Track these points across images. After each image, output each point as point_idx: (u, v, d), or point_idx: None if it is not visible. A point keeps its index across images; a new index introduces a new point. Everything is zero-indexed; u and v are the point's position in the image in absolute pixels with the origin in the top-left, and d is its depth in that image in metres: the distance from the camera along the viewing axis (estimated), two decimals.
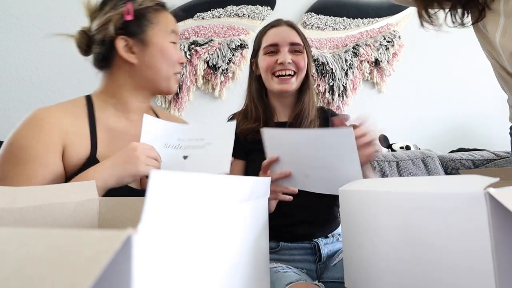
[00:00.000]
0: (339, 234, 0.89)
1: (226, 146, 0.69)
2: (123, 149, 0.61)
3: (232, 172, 0.86)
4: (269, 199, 0.63)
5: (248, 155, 0.89)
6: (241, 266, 0.37)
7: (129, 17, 0.71)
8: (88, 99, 0.74)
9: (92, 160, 0.66)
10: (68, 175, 0.65)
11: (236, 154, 0.82)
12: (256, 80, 0.94)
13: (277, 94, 0.90)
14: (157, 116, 0.83)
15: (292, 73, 0.87)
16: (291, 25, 0.91)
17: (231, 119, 0.96)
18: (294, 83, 0.87)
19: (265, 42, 0.89)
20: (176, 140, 0.70)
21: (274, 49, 0.88)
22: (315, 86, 1.94)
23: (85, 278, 0.16)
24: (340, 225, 0.71)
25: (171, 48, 0.75)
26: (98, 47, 0.73)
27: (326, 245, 0.84)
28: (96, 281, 0.17)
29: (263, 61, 0.89)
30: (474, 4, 0.88)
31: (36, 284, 0.16)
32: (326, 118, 0.95)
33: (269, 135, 0.68)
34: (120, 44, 0.72)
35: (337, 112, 1.94)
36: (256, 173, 0.82)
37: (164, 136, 0.70)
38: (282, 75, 0.86)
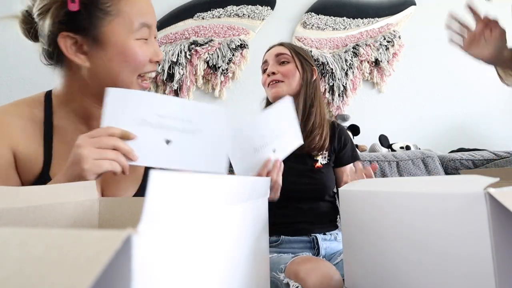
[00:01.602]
0: (337, 234, 0.93)
1: (222, 139, 0.58)
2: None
3: None
4: None
5: None
6: (241, 266, 0.37)
7: (73, 7, 0.53)
8: (48, 98, 0.63)
9: (44, 177, 0.57)
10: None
11: None
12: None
13: (274, 101, 0.96)
14: None
15: (280, 81, 0.95)
16: (282, 43, 1.01)
17: None
18: (282, 87, 0.95)
19: (262, 62, 1.04)
20: (154, 117, 0.53)
21: (266, 66, 1.00)
22: (320, 86, 1.94)
23: (85, 278, 0.16)
24: (340, 226, 0.71)
25: (136, 47, 0.57)
26: (43, 41, 0.58)
27: (324, 241, 0.89)
28: (96, 281, 0.17)
29: (262, 78, 1.02)
30: None
31: (36, 284, 0.16)
32: (334, 133, 1.00)
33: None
34: (66, 42, 0.55)
35: (337, 113, 1.95)
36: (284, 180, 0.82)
37: (139, 111, 0.52)
38: (270, 83, 0.97)
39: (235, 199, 0.36)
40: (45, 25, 0.55)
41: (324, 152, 0.98)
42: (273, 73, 0.95)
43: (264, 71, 1.01)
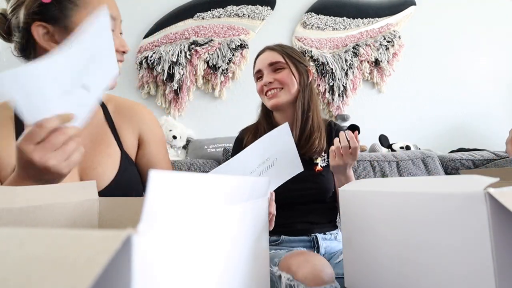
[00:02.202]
0: (337, 233, 0.93)
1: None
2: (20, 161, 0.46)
3: None
4: None
5: None
6: (241, 266, 0.37)
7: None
8: None
9: None
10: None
11: None
12: (262, 103, 1.04)
13: (275, 112, 1.00)
14: (105, 110, 0.73)
15: (279, 89, 0.94)
16: (271, 48, 0.98)
17: (240, 134, 1.04)
18: (282, 96, 0.94)
19: (254, 70, 1.01)
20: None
21: (260, 75, 0.98)
22: (315, 86, 1.94)
23: (85, 278, 0.16)
24: (340, 226, 0.71)
25: None
26: (16, 34, 0.61)
27: (324, 240, 0.89)
28: (96, 281, 0.17)
29: (256, 86, 1.00)
30: None
31: (36, 284, 0.16)
32: (331, 133, 1.00)
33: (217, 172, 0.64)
34: (38, 31, 0.59)
35: (337, 113, 1.95)
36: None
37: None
38: (268, 93, 0.96)
39: (235, 199, 0.36)
40: (19, 18, 0.58)
41: (323, 154, 0.97)
42: (270, 82, 0.94)
43: (258, 78, 0.99)
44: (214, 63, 1.87)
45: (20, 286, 0.16)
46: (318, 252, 0.87)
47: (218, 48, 1.89)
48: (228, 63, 1.88)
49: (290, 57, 0.96)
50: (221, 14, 1.93)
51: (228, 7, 1.94)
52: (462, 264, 0.30)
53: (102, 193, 0.60)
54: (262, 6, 1.95)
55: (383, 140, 1.79)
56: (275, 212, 0.68)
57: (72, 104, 0.46)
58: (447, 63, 2.04)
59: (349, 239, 0.50)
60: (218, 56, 1.88)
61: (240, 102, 1.88)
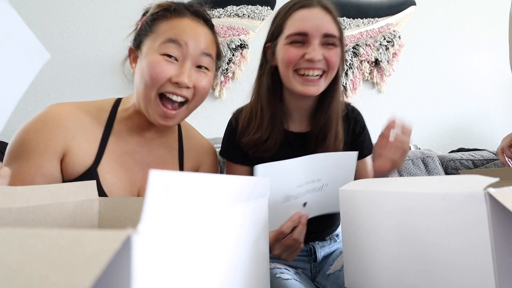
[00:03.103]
0: (336, 235, 0.87)
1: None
2: None
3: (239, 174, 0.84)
4: (284, 258, 0.61)
5: (254, 162, 0.83)
6: (241, 266, 0.37)
7: (138, 27, 0.65)
8: (116, 103, 0.68)
9: (91, 171, 0.60)
10: (66, 181, 0.60)
11: (240, 160, 0.78)
12: (270, 73, 0.73)
13: (296, 96, 0.72)
14: (180, 135, 0.75)
15: (321, 73, 0.68)
16: (326, 7, 0.68)
17: (234, 116, 0.82)
18: (322, 85, 0.69)
19: (291, 27, 0.68)
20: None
21: (302, 39, 0.67)
22: None
23: (85, 278, 0.16)
24: (340, 225, 0.71)
25: (156, 61, 0.58)
26: None
27: (322, 248, 0.82)
28: (96, 281, 0.17)
29: (286, 52, 0.68)
30: None
31: (36, 284, 0.16)
32: (350, 124, 0.81)
33: (263, 171, 0.55)
34: (130, 54, 0.66)
35: None
36: None
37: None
38: (308, 75, 0.68)
39: (235, 199, 0.36)
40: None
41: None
42: (317, 60, 0.66)
43: (292, 42, 0.68)
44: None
45: (21, 286, 0.16)
46: (315, 261, 0.80)
47: None
48: (228, 63, 1.88)
49: (342, 32, 0.70)
50: (221, 14, 1.93)
51: (228, 7, 1.94)
52: (462, 264, 0.30)
53: None
54: (262, 6, 1.95)
55: None
56: (302, 243, 0.60)
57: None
58: (447, 63, 2.04)
59: (349, 239, 0.50)
60: None
61: (240, 102, 1.87)
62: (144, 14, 0.67)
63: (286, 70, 0.69)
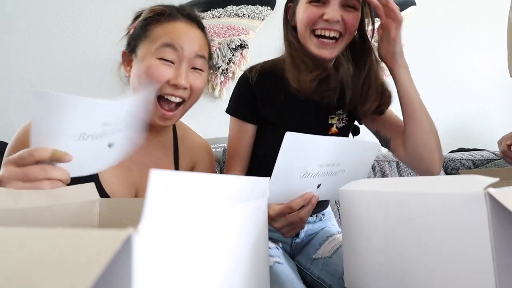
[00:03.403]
0: (323, 214, 0.83)
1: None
2: None
3: (241, 136, 0.80)
4: (285, 233, 0.60)
5: (261, 123, 0.79)
6: (241, 266, 0.37)
7: (131, 31, 0.67)
8: None
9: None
10: None
11: (250, 118, 0.78)
12: (292, 31, 0.75)
13: (313, 57, 0.71)
14: (175, 135, 0.76)
15: (338, 35, 0.68)
16: None
17: (248, 73, 0.79)
18: (335, 49, 0.70)
19: None
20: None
21: None
22: None
23: (85, 278, 0.16)
24: (340, 223, 0.71)
25: (154, 65, 0.61)
26: None
27: (307, 224, 0.78)
28: (96, 281, 0.17)
29: (304, 11, 0.68)
30: None
31: (36, 284, 0.16)
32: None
33: (291, 140, 0.54)
34: (123, 58, 0.69)
35: None
36: (263, 150, 0.78)
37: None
38: (323, 36, 0.68)
39: (235, 199, 0.36)
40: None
41: (341, 112, 0.75)
42: (336, 22, 0.67)
43: (314, 1, 0.68)
44: (214, 63, 1.87)
45: (21, 286, 0.16)
46: (297, 236, 0.77)
47: (218, 48, 1.89)
48: (228, 63, 1.88)
49: None
50: (221, 14, 1.93)
51: (228, 7, 1.94)
52: (462, 264, 0.30)
53: None
54: (262, 6, 1.95)
55: None
56: (305, 224, 0.60)
57: (83, 152, 0.45)
58: (447, 63, 2.04)
59: (349, 239, 0.50)
60: (218, 56, 1.88)
61: None
62: (135, 19, 0.69)
63: (304, 29, 0.69)
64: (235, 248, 0.35)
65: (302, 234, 0.80)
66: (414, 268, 0.36)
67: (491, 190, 0.27)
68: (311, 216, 0.80)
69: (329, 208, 0.89)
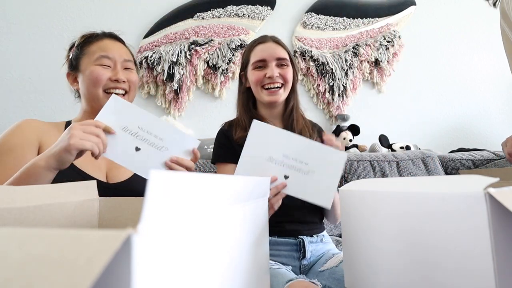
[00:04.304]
0: (323, 235, 0.92)
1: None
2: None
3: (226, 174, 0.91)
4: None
5: None
6: (241, 266, 0.37)
7: (70, 54, 0.86)
8: (68, 123, 0.84)
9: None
10: None
11: (231, 159, 0.92)
12: (244, 93, 1.01)
13: (267, 105, 0.97)
14: None
15: (280, 85, 0.94)
16: (276, 41, 0.98)
17: (224, 127, 1.01)
18: (282, 94, 0.95)
19: (254, 57, 0.96)
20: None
21: (262, 64, 0.95)
22: (315, 86, 1.94)
23: (85, 278, 0.16)
24: (339, 229, 0.71)
25: (95, 69, 0.80)
26: None
27: (311, 243, 0.88)
28: (96, 281, 0.17)
29: (253, 75, 0.95)
30: None
31: (36, 284, 0.16)
32: (321, 136, 1.01)
33: (258, 128, 0.67)
34: (69, 78, 0.86)
35: (337, 113, 1.95)
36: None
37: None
38: (270, 88, 0.94)
39: (235, 199, 0.36)
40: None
41: None
42: (276, 76, 0.93)
43: (257, 68, 0.95)
44: (214, 63, 1.87)
45: (20, 286, 0.16)
46: (304, 256, 0.86)
47: (218, 48, 1.89)
48: (228, 63, 1.88)
49: (291, 55, 0.99)
50: (221, 14, 1.93)
51: (228, 7, 1.94)
52: (462, 264, 0.30)
53: (122, 185, 0.81)
54: (262, 6, 1.95)
55: (383, 140, 1.79)
56: (276, 209, 0.69)
57: (120, 140, 0.65)
58: (447, 63, 2.04)
59: (349, 239, 0.50)
60: (218, 56, 1.88)
61: None
62: (70, 48, 0.89)
63: (256, 87, 0.96)
64: (235, 248, 0.35)
65: (309, 254, 0.86)
66: (413, 267, 0.36)
67: (491, 190, 0.27)
68: (311, 236, 0.90)
69: (326, 233, 0.97)
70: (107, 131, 0.64)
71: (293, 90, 0.99)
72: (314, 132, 1.00)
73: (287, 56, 0.96)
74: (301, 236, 0.87)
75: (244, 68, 1.01)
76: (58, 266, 0.17)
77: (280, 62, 0.94)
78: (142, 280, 0.19)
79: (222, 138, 0.99)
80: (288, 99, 0.99)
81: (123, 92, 0.83)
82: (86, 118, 0.83)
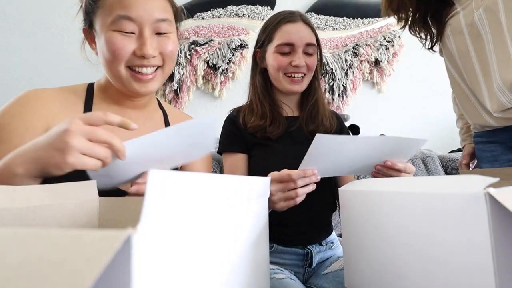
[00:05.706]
0: (332, 242, 0.86)
1: (208, 139, 0.58)
2: (58, 125, 0.43)
3: (236, 167, 0.85)
4: (274, 201, 0.59)
5: (251, 150, 0.88)
6: (241, 265, 0.37)
7: (83, 4, 0.62)
8: (90, 87, 0.67)
9: None
10: None
11: (240, 148, 0.86)
12: (261, 74, 0.90)
13: (285, 92, 0.88)
14: (164, 113, 0.75)
15: (303, 75, 0.85)
16: (307, 22, 0.87)
17: (232, 113, 0.92)
18: (304, 84, 0.86)
19: (280, 38, 0.84)
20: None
21: (289, 49, 0.83)
22: None
23: (85, 278, 0.16)
24: (339, 229, 0.71)
25: (113, 38, 0.57)
26: None
27: (318, 253, 0.82)
28: (96, 281, 0.17)
29: (275, 59, 0.84)
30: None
31: (36, 284, 0.16)
32: (341, 123, 0.95)
33: (321, 141, 0.53)
34: (85, 35, 0.65)
35: (337, 112, 1.95)
36: (258, 167, 0.83)
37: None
38: (294, 76, 0.84)
39: (235, 199, 0.36)
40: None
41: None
42: (301, 66, 0.83)
43: (281, 53, 0.83)
44: (214, 63, 1.87)
45: (20, 286, 0.16)
46: (310, 266, 0.80)
47: (218, 48, 1.89)
48: (228, 63, 1.88)
49: (319, 40, 0.89)
50: (221, 14, 1.93)
51: (228, 7, 1.94)
52: (462, 264, 0.30)
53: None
54: (262, 6, 1.95)
55: None
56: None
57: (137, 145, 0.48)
58: None
59: (349, 239, 0.50)
60: (218, 56, 1.88)
61: (240, 102, 1.88)
62: None
63: (276, 73, 0.85)
64: (235, 247, 0.35)
65: (314, 264, 0.81)
66: (413, 267, 0.36)
67: (491, 190, 0.27)
68: (320, 245, 0.83)
69: (335, 235, 0.91)
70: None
71: (315, 77, 0.90)
72: (333, 119, 0.92)
73: (315, 42, 0.86)
74: (309, 246, 0.81)
75: (262, 45, 0.89)
76: (58, 266, 0.17)
77: (308, 50, 0.84)
78: (142, 280, 0.19)
79: (230, 126, 0.89)
80: (310, 87, 0.90)
81: (152, 70, 0.61)
82: (111, 86, 0.65)
